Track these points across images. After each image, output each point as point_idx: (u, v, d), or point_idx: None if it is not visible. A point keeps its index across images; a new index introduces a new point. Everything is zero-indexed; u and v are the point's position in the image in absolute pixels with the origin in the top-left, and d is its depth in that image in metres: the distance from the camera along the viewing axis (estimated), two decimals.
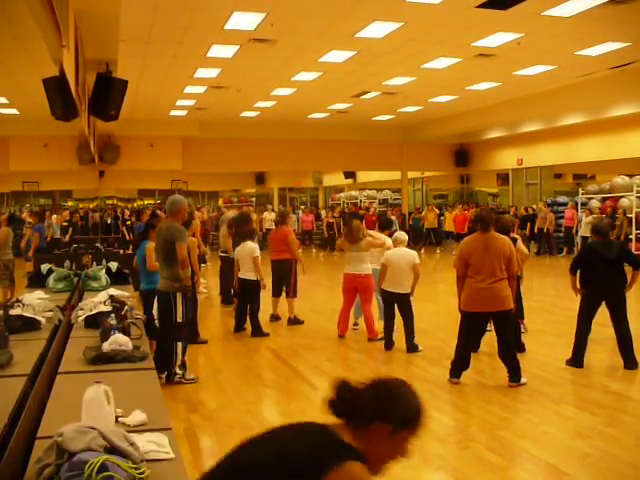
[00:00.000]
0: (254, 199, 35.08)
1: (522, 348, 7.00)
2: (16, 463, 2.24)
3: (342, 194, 31.77)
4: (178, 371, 5.99)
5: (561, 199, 20.07)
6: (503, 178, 24.22)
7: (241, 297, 8.52)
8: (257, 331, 8.26)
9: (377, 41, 10.81)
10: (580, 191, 19.14)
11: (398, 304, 7.29)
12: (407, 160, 24.00)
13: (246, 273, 8.23)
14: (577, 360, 6.50)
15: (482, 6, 8.93)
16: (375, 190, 30.22)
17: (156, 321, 6.09)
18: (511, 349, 5.94)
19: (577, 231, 17.57)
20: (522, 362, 6.83)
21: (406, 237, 7.63)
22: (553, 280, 14.21)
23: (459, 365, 6.02)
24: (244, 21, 9.61)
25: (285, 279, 8.92)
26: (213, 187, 34.37)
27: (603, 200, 17.99)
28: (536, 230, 18.73)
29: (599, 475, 4.09)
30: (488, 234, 5.86)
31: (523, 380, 5.90)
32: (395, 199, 27.94)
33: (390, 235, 7.92)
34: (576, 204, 18.33)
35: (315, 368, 6.72)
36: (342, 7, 9.03)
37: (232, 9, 9.07)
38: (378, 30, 10.20)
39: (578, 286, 6.65)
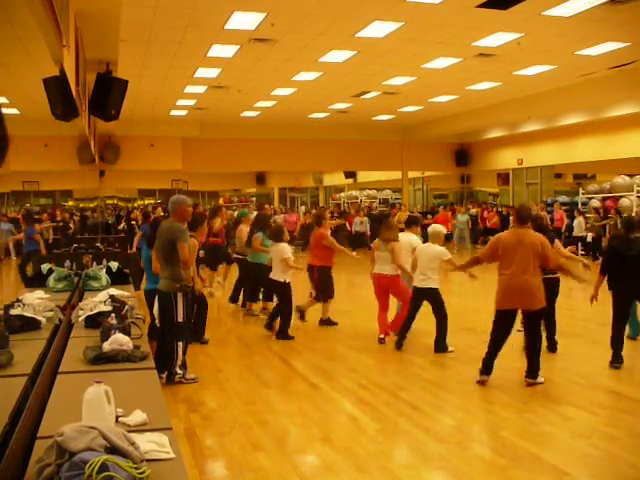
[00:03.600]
0: (254, 199, 35.09)
1: (554, 347, 6.98)
2: (16, 463, 2.23)
3: (342, 194, 31.78)
4: (178, 371, 5.99)
5: (561, 199, 20.07)
6: (503, 178, 24.22)
7: (278, 299, 8.39)
8: (283, 334, 8.02)
9: (377, 41, 10.80)
10: (580, 191, 19.15)
11: (429, 300, 7.15)
12: (407, 160, 24.00)
13: (276, 274, 8.08)
14: (617, 358, 6.48)
15: (482, 6, 8.93)
16: (376, 190, 30.23)
17: (156, 321, 6.10)
18: (537, 347, 5.91)
19: (568, 231, 17.57)
20: (522, 363, 6.85)
21: (440, 231, 7.50)
22: None
23: (489, 363, 5.97)
24: (244, 21, 9.61)
25: (319, 281, 8.62)
26: (213, 187, 34.37)
27: (603, 200, 17.99)
28: None
29: (600, 475, 4.09)
30: (523, 230, 5.83)
31: (540, 379, 5.87)
32: (396, 199, 27.93)
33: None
34: (566, 204, 18.42)
35: (315, 368, 6.72)
36: (342, 7, 9.03)
37: (232, 9, 9.06)
38: (378, 30, 10.20)
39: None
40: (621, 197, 17.14)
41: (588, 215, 17.27)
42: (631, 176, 17.51)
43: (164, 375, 5.84)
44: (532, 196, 21.39)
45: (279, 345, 7.79)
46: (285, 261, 7.97)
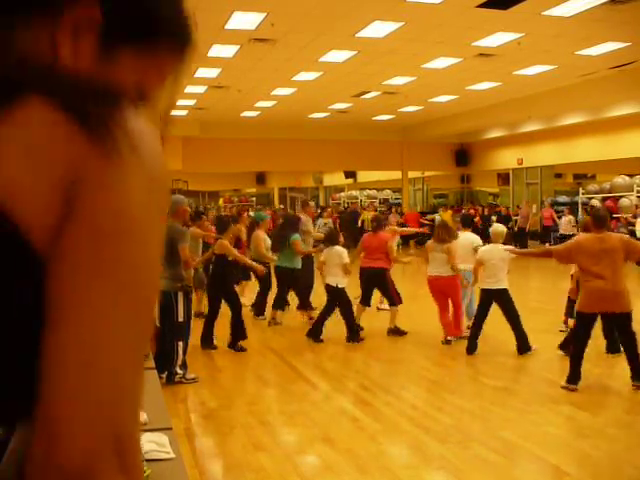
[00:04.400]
0: (254, 199, 35.11)
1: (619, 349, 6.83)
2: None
3: (342, 194, 31.79)
4: (179, 371, 5.99)
5: (561, 199, 20.08)
6: (504, 178, 24.23)
7: (329, 304, 7.92)
8: (353, 336, 7.71)
9: (377, 41, 10.80)
10: (580, 191, 19.15)
11: (498, 302, 6.95)
12: (407, 160, 24.00)
13: (332, 279, 7.74)
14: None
15: (482, 6, 8.93)
16: (376, 190, 30.24)
17: (156, 321, 6.10)
18: (636, 348, 5.76)
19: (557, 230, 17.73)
20: (522, 363, 6.85)
21: (503, 231, 7.38)
22: (547, 279, 14.19)
23: (577, 371, 5.82)
24: (244, 21, 9.61)
25: (380, 289, 8.25)
26: (213, 187, 34.39)
27: (603, 200, 18.00)
28: (517, 229, 18.83)
29: (601, 475, 4.09)
30: (602, 233, 5.72)
31: None
32: (396, 199, 27.94)
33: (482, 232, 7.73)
34: (566, 204, 18.46)
35: (315, 368, 6.72)
36: (342, 7, 9.03)
37: (232, 9, 9.06)
38: (378, 30, 10.20)
39: None
40: (621, 197, 17.14)
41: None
42: (631, 176, 17.52)
43: (164, 375, 5.84)
44: (532, 196, 21.40)
45: (279, 345, 7.79)
46: (344, 266, 7.62)
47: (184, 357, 6.04)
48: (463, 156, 24.44)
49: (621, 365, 6.71)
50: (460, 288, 7.57)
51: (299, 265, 8.50)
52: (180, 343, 5.95)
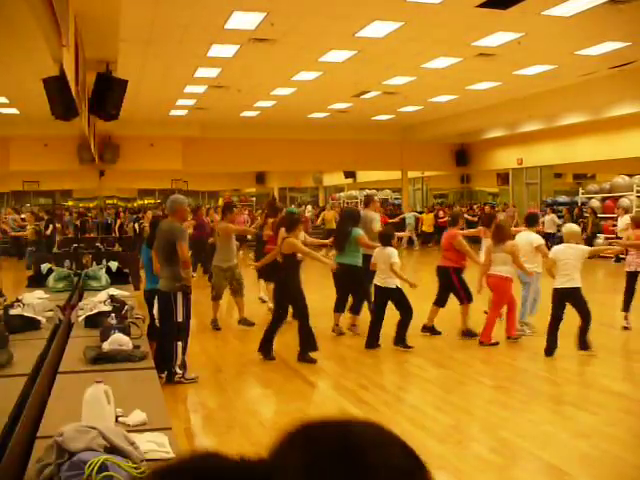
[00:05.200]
0: (254, 199, 35.12)
1: None
2: (16, 463, 2.23)
3: (342, 194, 31.80)
4: (178, 371, 5.98)
5: (561, 199, 20.08)
6: (503, 178, 24.23)
7: (379, 307, 7.44)
8: (400, 341, 7.29)
9: (377, 41, 10.80)
10: (580, 191, 19.15)
11: (572, 301, 6.86)
12: (407, 160, 24.00)
13: (383, 280, 7.29)
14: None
15: (482, 6, 8.93)
16: (375, 190, 30.25)
17: (156, 321, 6.09)
18: None
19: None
20: (522, 363, 6.85)
21: (577, 230, 7.30)
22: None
23: None
24: (244, 21, 9.61)
25: (450, 288, 7.86)
26: (213, 187, 34.43)
27: (603, 200, 18.01)
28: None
29: (600, 475, 4.09)
30: None
31: None
32: (395, 199, 27.95)
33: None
34: (565, 204, 18.50)
35: (315, 368, 6.71)
36: (342, 7, 9.03)
37: (232, 8, 9.06)
38: (378, 30, 10.20)
39: None
40: (621, 197, 17.14)
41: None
42: (631, 176, 17.52)
43: (164, 375, 5.83)
44: (532, 196, 21.40)
45: (279, 345, 7.78)
46: (392, 266, 7.19)
47: (183, 357, 6.03)
48: (463, 156, 24.44)
49: (621, 365, 6.72)
50: (508, 292, 7.45)
51: (360, 263, 7.83)
52: (179, 343, 5.94)
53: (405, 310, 7.26)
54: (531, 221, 8.18)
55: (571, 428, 4.84)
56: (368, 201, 9.10)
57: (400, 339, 7.28)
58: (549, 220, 17.70)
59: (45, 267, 6.61)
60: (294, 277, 6.95)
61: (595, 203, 17.96)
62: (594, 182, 22.43)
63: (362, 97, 16.43)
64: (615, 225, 15.16)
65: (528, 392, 5.82)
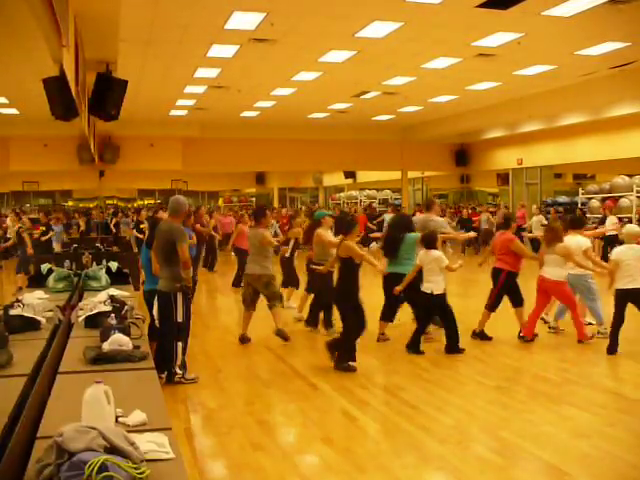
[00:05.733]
0: (254, 199, 35.13)
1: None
2: (16, 463, 2.23)
3: (342, 194, 31.80)
4: (178, 371, 5.99)
5: (561, 199, 20.08)
6: (503, 178, 24.23)
7: (426, 312, 7.32)
8: (452, 347, 7.15)
9: (377, 41, 10.80)
10: (580, 191, 19.15)
11: (635, 301, 6.82)
12: (407, 160, 24.00)
13: (427, 285, 7.10)
14: None
15: (482, 6, 8.93)
16: (375, 190, 30.26)
17: (156, 321, 6.09)
18: None
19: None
20: (522, 363, 6.85)
21: (636, 230, 7.25)
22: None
23: None
24: (244, 21, 9.60)
25: (498, 289, 7.73)
26: (213, 187, 34.43)
27: (603, 200, 18.00)
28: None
29: (600, 475, 4.08)
30: None
31: None
32: (395, 199, 27.97)
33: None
34: (565, 204, 18.52)
35: (315, 368, 6.71)
36: (342, 7, 9.03)
37: (232, 9, 9.06)
38: (378, 30, 10.20)
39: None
40: (621, 197, 17.14)
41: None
42: (631, 176, 17.51)
43: (164, 375, 5.84)
44: (532, 196, 21.39)
45: (279, 345, 7.79)
46: (444, 270, 7.05)
47: (183, 357, 6.04)
48: (463, 156, 24.45)
49: (621, 365, 6.72)
50: (568, 293, 7.43)
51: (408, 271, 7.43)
52: (179, 343, 5.94)
53: (445, 317, 7.14)
54: (575, 224, 7.95)
55: (571, 428, 4.84)
56: (430, 204, 8.74)
57: (415, 344, 7.17)
58: (536, 221, 17.68)
59: (45, 267, 6.61)
60: (354, 282, 6.55)
61: (595, 203, 17.95)
62: (594, 182, 22.43)
63: (362, 97, 16.43)
64: (597, 227, 15.06)
65: (528, 392, 5.82)
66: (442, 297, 7.13)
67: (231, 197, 34.17)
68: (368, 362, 6.98)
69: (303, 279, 9.46)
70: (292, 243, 9.81)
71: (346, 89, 15.37)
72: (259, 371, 6.79)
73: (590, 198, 18.54)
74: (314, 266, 8.01)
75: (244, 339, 7.90)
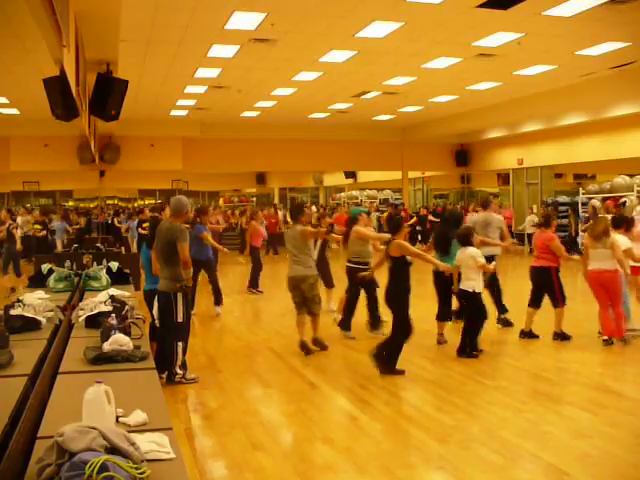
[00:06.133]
0: (254, 199, 35.14)
1: None
2: (16, 463, 2.24)
3: (342, 194, 31.80)
4: (179, 371, 5.99)
5: (562, 199, 20.08)
6: (504, 178, 24.22)
7: (466, 312, 7.25)
8: (467, 350, 7.02)
9: (377, 41, 10.80)
10: (580, 191, 19.15)
11: None
12: (407, 160, 24.00)
13: (467, 284, 6.95)
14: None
15: (482, 6, 8.93)
16: (376, 190, 30.26)
17: (156, 321, 6.09)
18: None
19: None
20: (522, 363, 6.85)
21: None
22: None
23: None
24: (244, 21, 9.60)
25: (545, 288, 7.72)
26: (214, 187, 34.44)
27: (604, 200, 17.99)
28: None
29: (600, 475, 4.09)
30: None
31: None
32: (396, 199, 27.97)
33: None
34: (566, 204, 18.61)
35: (315, 368, 6.72)
36: (342, 7, 9.03)
37: (232, 9, 9.06)
38: (378, 30, 10.19)
39: None
40: (621, 197, 17.13)
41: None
42: (631, 176, 17.51)
43: (164, 375, 5.84)
44: (532, 196, 21.39)
45: (279, 345, 7.79)
46: (480, 268, 6.90)
47: (184, 357, 6.04)
48: (463, 156, 24.44)
49: (621, 365, 6.72)
50: (621, 285, 7.35)
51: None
52: (180, 343, 5.95)
53: (479, 316, 7.01)
54: (617, 224, 7.82)
55: (571, 428, 4.84)
56: (487, 203, 8.79)
57: (472, 346, 7.01)
58: (529, 220, 17.79)
59: (46, 267, 6.61)
60: (405, 281, 6.38)
61: (595, 203, 17.93)
62: (594, 182, 22.41)
63: (362, 97, 16.43)
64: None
65: (528, 392, 5.82)
66: (480, 296, 6.99)
67: (231, 197, 34.17)
68: (368, 362, 6.98)
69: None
70: (320, 243, 9.43)
71: (346, 89, 15.38)
72: (259, 371, 6.79)
73: (590, 198, 18.53)
74: (362, 274, 7.45)
75: (304, 346, 7.30)
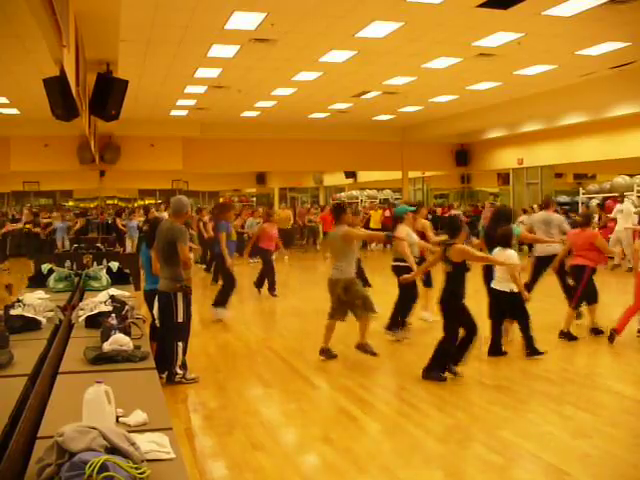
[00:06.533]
0: (255, 199, 35.14)
1: None
2: (17, 463, 2.24)
3: (343, 194, 31.79)
4: (179, 371, 5.99)
5: (562, 199, 20.09)
6: (504, 178, 24.21)
7: (497, 312, 7.07)
8: (531, 349, 6.87)
9: (377, 41, 10.80)
10: (581, 191, 19.15)
11: None
12: (407, 160, 24.00)
13: (502, 284, 6.84)
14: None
15: (482, 6, 8.93)
16: (376, 190, 30.26)
17: (156, 321, 6.09)
18: None
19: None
20: (522, 363, 6.85)
21: None
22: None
23: None
24: (244, 21, 9.60)
25: (575, 286, 7.70)
26: (214, 187, 34.43)
27: (604, 200, 18.00)
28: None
29: (600, 475, 4.09)
30: None
31: None
32: (396, 199, 27.98)
33: None
34: (566, 204, 18.45)
35: (315, 368, 6.72)
36: (342, 7, 9.03)
37: (232, 9, 9.06)
38: (378, 30, 10.19)
39: None
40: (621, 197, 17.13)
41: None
42: (631, 176, 17.52)
43: (164, 375, 5.84)
44: (532, 196, 21.39)
45: (279, 345, 7.79)
46: (512, 270, 6.71)
47: (184, 357, 6.04)
48: (463, 156, 24.44)
49: (621, 365, 6.72)
50: None
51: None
52: (180, 343, 5.95)
53: (521, 316, 6.88)
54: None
55: (571, 428, 4.84)
56: (548, 203, 8.77)
57: (530, 348, 6.88)
58: (519, 221, 17.79)
59: (46, 267, 6.61)
60: (463, 286, 6.17)
61: (595, 203, 17.95)
62: (594, 182, 22.42)
63: (362, 97, 16.43)
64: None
65: (528, 392, 5.82)
66: (516, 296, 6.81)
67: (232, 197, 34.16)
68: (368, 362, 6.98)
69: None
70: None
71: (346, 89, 15.38)
72: (259, 371, 6.79)
73: (591, 198, 18.54)
74: (403, 277, 7.11)
75: (323, 351, 7.03)
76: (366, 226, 20.47)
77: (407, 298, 7.79)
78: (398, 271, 7.61)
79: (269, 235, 11.57)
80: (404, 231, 7.68)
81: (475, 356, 7.00)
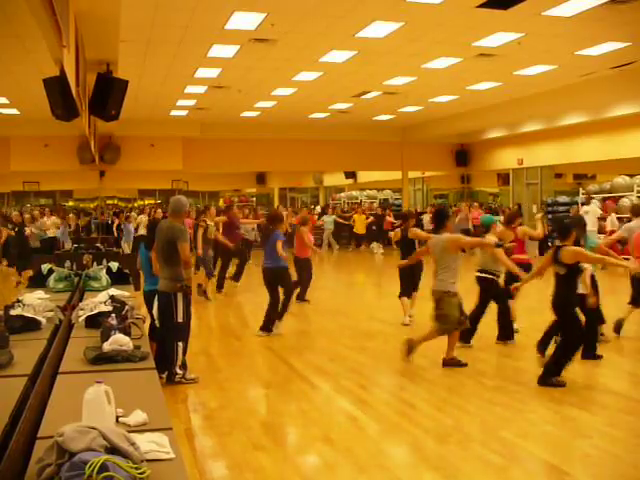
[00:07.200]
0: (255, 199, 35.15)
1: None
2: (17, 463, 2.24)
3: (343, 194, 31.80)
4: (179, 371, 5.99)
5: (562, 199, 20.09)
6: (504, 178, 24.21)
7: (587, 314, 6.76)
8: (587, 352, 6.64)
9: (377, 41, 10.80)
10: (581, 191, 19.15)
11: None
12: (407, 160, 23.99)
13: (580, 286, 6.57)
14: None
15: (482, 6, 8.93)
16: (376, 190, 30.27)
17: (156, 321, 6.09)
18: None
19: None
20: (522, 363, 6.85)
21: None
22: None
23: None
24: (244, 21, 9.60)
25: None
26: (214, 187, 34.44)
27: (604, 200, 18.01)
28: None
29: (600, 475, 4.09)
30: None
31: None
32: (396, 199, 27.99)
33: None
34: (565, 204, 18.55)
35: (315, 368, 6.72)
36: (342, 7, 9.03)
37: (232, 9, 9.06)
38: (378, 30, 10.20)
39: None
40: (621, 197, 17.15)
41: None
42: (631, 176, 17.51)
43: (164, 375, 5.84)
44: (532, 196, 21.40)
45: (279, 345, 7.79)
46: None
47: (184, 358, 6.04)
48: (463, 156, 24.44)
49: (621, 365, 6.72)
50: None
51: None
52: (180, 343, 5.95)
53: (593, 318, 6.69)
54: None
55: (571, 428, 4.84)
56: (638, 211, 8.28)
57: (590, 348, 6.70)
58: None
59: (46, 267, 6.61)
60: (575, 289, 6.05)
61: (595, 203, 17.94)
62: (594, 182, 22.41)
63: (362, 97, 16.43)
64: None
65: (528, 392, 5.82)
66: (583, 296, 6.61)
67: (232, 197, 34.16)
68: (368, 362, 6.99)
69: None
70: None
71: (346, 89, 15.37)
72: (259, 371, 6.79)
73: (591, 198, 18.54)
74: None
75: (449, 361, 6.65)
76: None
77: (505, 306, 7.48)
78: (484, 283, 7.37)
79: (306, 241, 10.14)
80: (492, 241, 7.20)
81: (475, 356, 7.01)
